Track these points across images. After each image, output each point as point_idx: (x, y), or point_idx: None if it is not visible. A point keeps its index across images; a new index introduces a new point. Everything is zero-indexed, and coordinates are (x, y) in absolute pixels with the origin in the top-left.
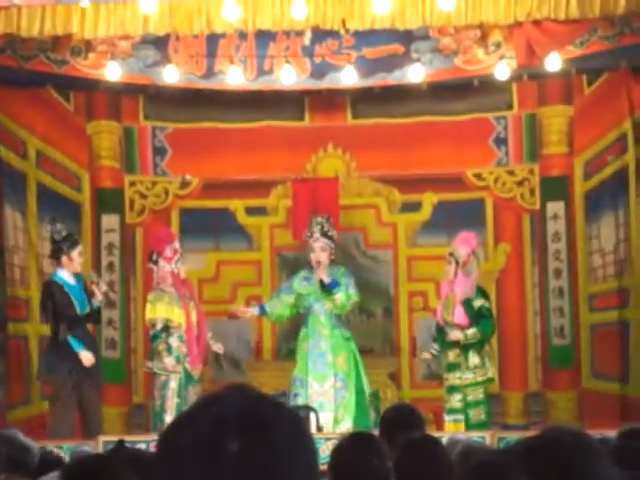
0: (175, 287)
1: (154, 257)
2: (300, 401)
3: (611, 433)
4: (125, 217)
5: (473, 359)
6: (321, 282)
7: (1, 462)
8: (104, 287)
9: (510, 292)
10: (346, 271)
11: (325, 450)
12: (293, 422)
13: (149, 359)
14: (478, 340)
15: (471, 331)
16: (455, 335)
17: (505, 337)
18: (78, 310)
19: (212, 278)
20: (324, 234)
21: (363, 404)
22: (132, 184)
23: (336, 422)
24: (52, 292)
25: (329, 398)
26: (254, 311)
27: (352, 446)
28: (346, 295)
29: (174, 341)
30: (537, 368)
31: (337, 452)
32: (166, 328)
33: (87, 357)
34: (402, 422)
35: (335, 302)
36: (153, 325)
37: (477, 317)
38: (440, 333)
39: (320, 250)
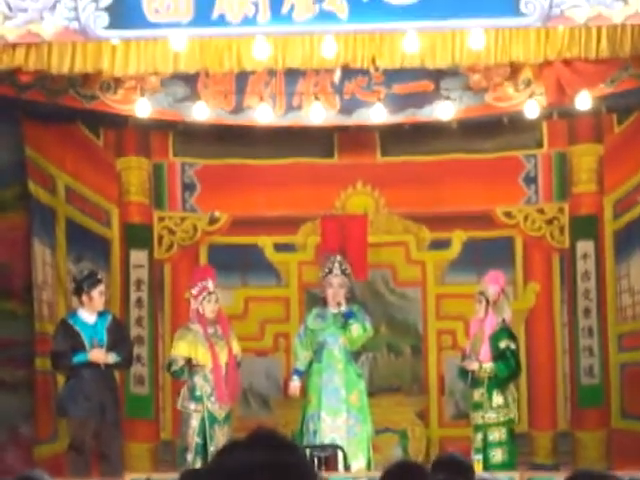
0: (201, 325)
1: (189, 293)
2: (318, 438)
3: None
4: (154, 253)
5: (497, 399)
6: (339, 312)
7: None
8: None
9: (539, 331)
10: (361, 308)
11: None
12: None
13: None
14: (493, 377)
15: (488, 365)
16: (471, 364)
17: (534, 376)
18: (87, 349)
19: (240, 315)
20: (342, 271)
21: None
22: (161, 220)
23: (348, 459)
24: (57, 332)
25: (341, 434)
26: (297, 383)
27: (400, 473)
28: (362, 326)
29: (198, 380)
30: (566, 407)
31: (386, 477)
32: (189, 366)
33: (97, 355)
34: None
35: (351, 332)
36: (171, 363)
37: (498, 357)
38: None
39: (338, 286)
